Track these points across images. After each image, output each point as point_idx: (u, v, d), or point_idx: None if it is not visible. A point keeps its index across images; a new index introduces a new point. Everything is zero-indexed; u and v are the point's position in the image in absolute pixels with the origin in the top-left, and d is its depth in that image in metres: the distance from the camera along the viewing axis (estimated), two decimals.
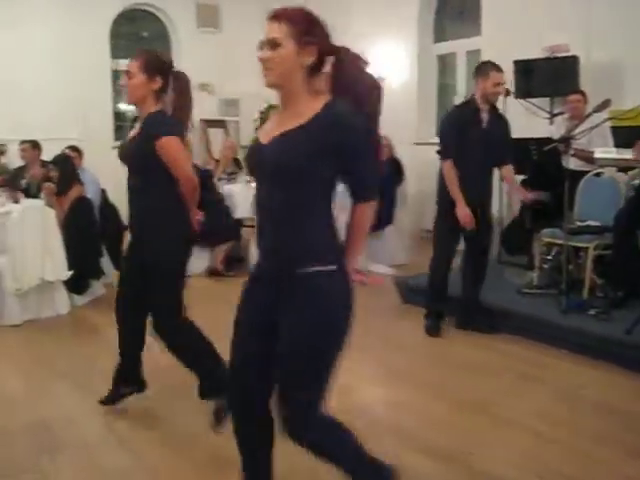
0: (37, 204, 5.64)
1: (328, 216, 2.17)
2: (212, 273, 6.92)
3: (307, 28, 2.07)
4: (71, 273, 5.56)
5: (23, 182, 6.99)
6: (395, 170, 7.36)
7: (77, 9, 9.79)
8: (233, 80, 10.94)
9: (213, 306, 5.90)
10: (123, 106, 11.07)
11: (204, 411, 3.37)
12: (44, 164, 6.84)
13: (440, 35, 9.36)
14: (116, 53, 10.54)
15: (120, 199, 6.89)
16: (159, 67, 3.35)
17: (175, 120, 3.43)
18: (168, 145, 3.25)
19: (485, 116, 4.85)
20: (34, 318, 5.50)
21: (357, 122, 2.08)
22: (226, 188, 7.33)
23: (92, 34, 10.08)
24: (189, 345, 3.55)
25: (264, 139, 2.16)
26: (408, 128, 8.96)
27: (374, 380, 4.27)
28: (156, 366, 3.93)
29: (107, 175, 6.81)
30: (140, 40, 11.24)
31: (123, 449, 3.32)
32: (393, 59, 9.30)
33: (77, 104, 9.77)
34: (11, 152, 8.54)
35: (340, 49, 2.15)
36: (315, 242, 2.13)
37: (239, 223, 7.22)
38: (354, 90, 2.13)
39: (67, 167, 6.13)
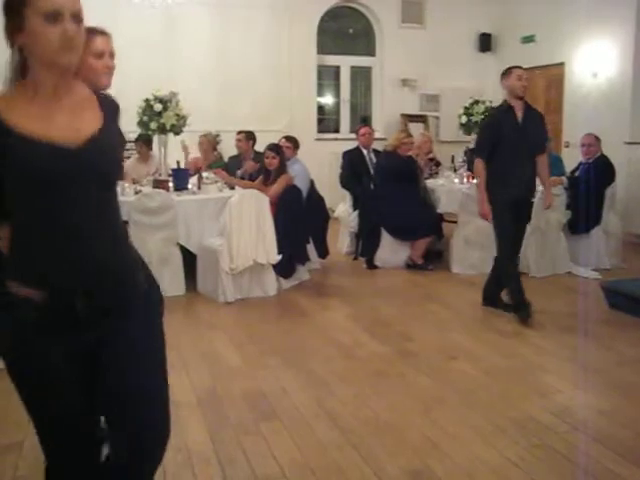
0: (253, 191, 5.98)
1: None
2: (410, 266, 6.99)
3: None
4: (280, 257, 5.86)
5: (238, 172, 7.46)
6: (604, 169, 7.03)
7: (286, 8, 10.27)
8: (434, 76, 11.00)
9: (405, 299, 6.01)
10: (323, 100, 11.48)
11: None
12: (257, 155, 7.26)
13: None
14: (321, 49, 10.93)
15: (324, 189, 7.23)
16: None
17: None
18: None
19: None
20: (245, 297, 5.88)
21: None
22: (427, 183, 7.35)
23: (300, 31, 10.53)
24: None
25: (61, 138, 1.75)
26: (620, 127, 8.54)
27: (580, 384, 4.14)
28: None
29: (311, 166, 7.10)
30: (345, 36, 11.56)
31: (334, 424, 3.48)
32: (605, 54, 8.92)
33: (285, 98, 10.30)
34: (224, 142, 9.14)
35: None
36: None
37: (440, 218, 7.24)
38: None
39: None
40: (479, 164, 5.19)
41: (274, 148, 6.44)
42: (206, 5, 9.76)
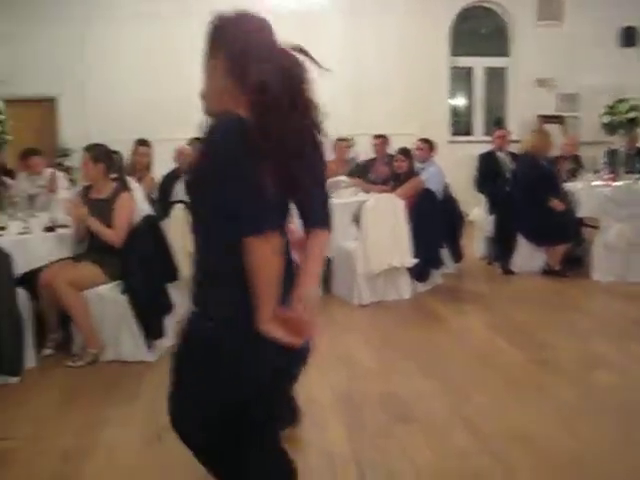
0: (388, 195, 6.04)
1: None
2: (548, 272, 6.80)
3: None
4: (416, 261, 5.88)
5: (370, 176, 7.54)
6: None
7: (418, 11, 10.29)
8: (573, 74, 10.64)
9: (543, 306, 5.86)
10: (456, 102, 11.38)
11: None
12: (390, 158, 7.30)
13: None
14: (454, 51, 10.85)
15: (458, 192, 7.17)
16: None
17: None
18: None
19: None
20: (380, 300, 5.95)
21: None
22: (567, 185, 7.13)
23: (432, 34, 10.51)
24: None
25: None
26: None
27: None
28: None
29: (444, 168, 7.05)
30: (478, 37, 11.41)
31: (471, 431, 3.47)
32: None
33: (417, 101, 10.30)
34: (358, 146, 9.23)
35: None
36: None
37: (580, 223, 6.99)
38: None
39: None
40: None
41: (404, 152, 6.49)
42: (340, 12, 9.94)
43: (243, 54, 1.80)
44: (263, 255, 1.76)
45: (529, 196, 6.76)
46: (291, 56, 1.83)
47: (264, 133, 1.72)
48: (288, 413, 3.29)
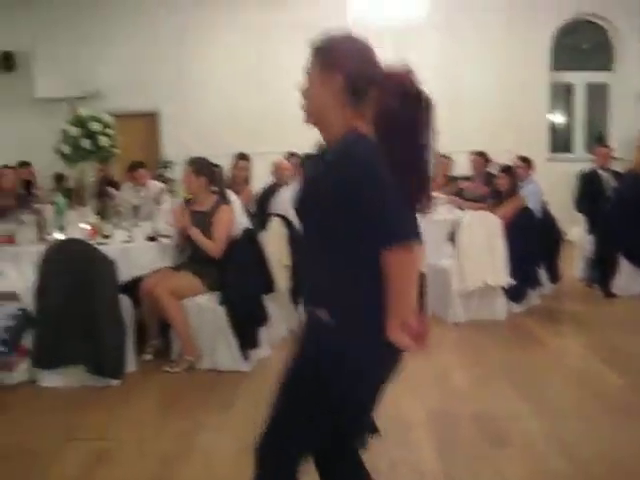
0: (484, 212, 5.96)
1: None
2: None
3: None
4: (512, 281, 5.76)
5: (467, 193, 7.44)
6: None
7: (518, 23, 10.14)
8: None
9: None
10: (555, 118, 11.11)
11: None
12: (489, 176, 7.19)
13: None
14: (554, 66, 10.62)
15: (557, 211, 6.99)
16: None
17: None
18: None
19: None
20: (474, 319, 5.85)
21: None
22: None
23: (532, 47, 10.33)
24: None
25: None
26: None
27: None
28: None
29: (542, 186, 6.90)
30: (580, 51, 11.12)
31: (567, 456, 3.35)
32: None
33: (514, 116, 10.12)
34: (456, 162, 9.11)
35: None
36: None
37: None
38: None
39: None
40: None
41: (506, 170, 6.38)
42: (436, 28, 9.88)
43: (360, 75, 1.90)
44: (406, 265, 1.82)
45: (633, 216, 6.51)
46: (406, 78, 1.91)
47: (390, 151, 1.82)
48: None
